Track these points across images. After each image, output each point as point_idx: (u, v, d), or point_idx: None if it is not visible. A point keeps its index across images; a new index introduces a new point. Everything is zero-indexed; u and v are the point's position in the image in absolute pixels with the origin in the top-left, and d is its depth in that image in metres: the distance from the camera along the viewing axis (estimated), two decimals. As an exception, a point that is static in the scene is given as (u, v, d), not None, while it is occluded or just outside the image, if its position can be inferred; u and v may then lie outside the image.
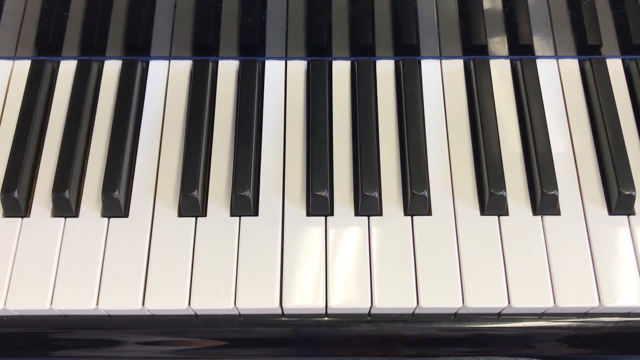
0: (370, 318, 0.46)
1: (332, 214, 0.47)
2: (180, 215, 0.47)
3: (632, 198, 0.47)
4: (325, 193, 0.46)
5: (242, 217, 0.47)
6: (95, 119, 0.51)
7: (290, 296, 0.44)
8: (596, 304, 0.44)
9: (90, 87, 0.52)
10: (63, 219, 0.47)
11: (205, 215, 0.47)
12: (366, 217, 0.47)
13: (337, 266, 0.45)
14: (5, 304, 0.44)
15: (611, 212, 0.47)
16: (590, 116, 0.51)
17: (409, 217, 0.47)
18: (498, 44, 0.53)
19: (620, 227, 0.47)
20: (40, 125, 0.51)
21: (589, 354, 0.47)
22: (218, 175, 0.49)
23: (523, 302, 0.44)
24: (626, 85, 0.53)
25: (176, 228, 0.47)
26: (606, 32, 0.53)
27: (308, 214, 0.47)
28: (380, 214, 0.47)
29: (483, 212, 0.47)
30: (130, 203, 0.48)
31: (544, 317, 0.46)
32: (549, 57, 0.54)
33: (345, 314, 0.46)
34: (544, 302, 0.44)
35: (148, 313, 0.45)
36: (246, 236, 0.46)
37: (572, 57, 0.54)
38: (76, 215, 0.47)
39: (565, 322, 0.46)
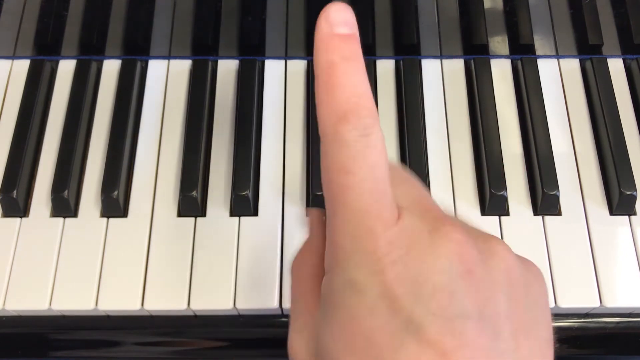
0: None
1: (332, 214, 0.47)
2: (179, 215, 0.47)
3: (634, 198, 0.46)
4: (325, 193, 0.46)
5: (242, 217, 0.47)
6: (95, 118, 0.51)
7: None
8: (597, 304, 0.44)
9: (89, 87, 0.52)
10: (62, 218, 0.47)
11: (204, 215, 0.47)
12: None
13: (337, 266, 0.44)
14: (4, 304, 0.44)
15: (612, 212, 0.47)
16: (591, 116, 0.51)
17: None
18: (499, 43, 0.53)
19: (622, 227, 0.47)
20: (39, 125, 0.51)
21: (590, 354, 0.47)
22: (218, 175, 0.48)
23: (524, 302, 0.44)
24: (627, 84, 0.52)
25: (175, 228, 0.46)
26: (607, 31, 0.53)
27: (308, 214, 0.47)
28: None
29: (483, 212, 0.47)
30: (130, 203, 0.47)
31: (544, 317, 0.46)
32: (549, 56, 0.54)
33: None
34: (544, 303, 0.44)
35: (147, 313, 0.45)
36: (246, 236, 0.46)
37: (573, 56, 0.54)
38: (75, 215, 0.47)
39: (566, 323, 0.46)
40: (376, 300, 0.25)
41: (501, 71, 0.53)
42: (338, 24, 0.29)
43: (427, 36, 0.53)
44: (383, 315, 0.25)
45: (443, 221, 0.27)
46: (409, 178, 0.31)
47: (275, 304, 0.44)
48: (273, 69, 0.53)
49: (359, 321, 0.26)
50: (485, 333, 0.25)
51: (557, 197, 0.46)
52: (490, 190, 0.46)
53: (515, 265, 0.28)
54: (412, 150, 0.48)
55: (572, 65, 0.53)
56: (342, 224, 0.27)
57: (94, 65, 0.53)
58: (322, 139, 0.28)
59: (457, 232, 0.27)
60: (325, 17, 0.29)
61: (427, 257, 0.26)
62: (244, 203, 0.46)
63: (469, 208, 0.47)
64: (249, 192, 0.46)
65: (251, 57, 0.53)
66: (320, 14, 0.29)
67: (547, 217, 0.47)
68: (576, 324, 0.46)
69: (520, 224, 0.47)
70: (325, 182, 0.28)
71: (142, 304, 0.44)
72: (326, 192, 0.28)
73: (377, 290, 0.26)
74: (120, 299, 0.44)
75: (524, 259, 0.30)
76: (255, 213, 0.47)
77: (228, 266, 0.45)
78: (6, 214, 0.47)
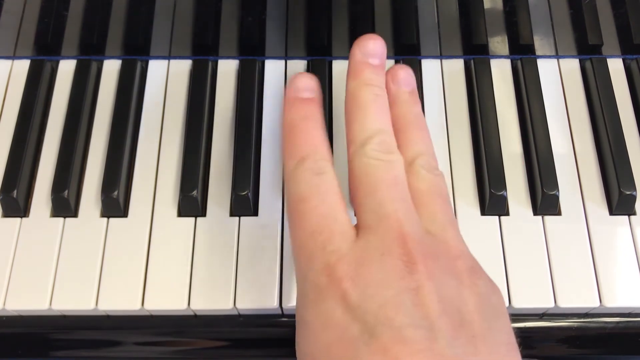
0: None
1: (332, 214, 0.47)
2: (179, 215, 0.47)
3: (633, 198, 0.47)
4: (325, 193, 0.46)
5: (242, 217, 0.47)
6: (95, 118, 0.51)
7: (290, 296, 0.44)
8: (597, 304, 0.44)
9: (89, 87, 0.52)
10: (62, 218, 0.47)
11: (204, 215, 0.47)
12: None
13: (337, 266, 0.44)
14: (4, 304, 0.44)
15: (612, 212, 0.47)
16: (591, 116, 0.51)
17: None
18: (499, 43, 0.53)
19: (621, 227, 0.47)
20: (39, 125, 0.51)
21: (590, 354, 0.47)
22: (218, 175, 0.48)
23: (524, 302, 0.44)
24: (627, 84, 0.52)
25: (176, 228, 0.46)
26: (607, 31, 0.53)
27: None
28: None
29: (483, 212, 0.47)
30: (130, 203, 0.47)
31: (544, 317, 0.46)
32: (549, 56, 0.54)
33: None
34: (544, 303, 0.44)
35: (147, 313, 0.45)
36: (246, 236, 0.46)
37: (573, 56, 0.54)
38: (75, 215, 0.47)
39: (566, 323, 0.46)
40: (328, 314, 0.28)
41: (501, 71, 0.53)
42: (301, 90, 0.38)
43: (427, 36, 0.53)
44: (336, 328, 0.28)
45: (402, 245, 0.30)
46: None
47: (275, 303, 0.44)
48: (273, 69, 0.53)
49: (316, 336, 0.29)
50: (438, 340, 0.27)
51: (557, 197, 0.46)
52: (490, 190, 0.46)
53: (474, 281, 0.31)
54: (412, 150, 0.48)
55: (571, 65, 0.54)
56: (300, 245, 0.31)
57: (94, 65, 0.53)
58: (285, 179, 0.34)
59: (409, 253, 0.29)
60: (291, 84, 0.38)
61: (376, 274, 0.29)
62: (244, 203, 0.46)
63: (468, 208, 0.47)
64: (249, 192, 0.46)
65: (251, 57, 0.53)
66: (289, 81, 0.38)
67: (547, 217, 0.47)
68: (576, 324, 0.46)
69: (520, 224, 0.47)
70: (288, 212, 0.33)
71: (142, 304, 0.44)
72: (289, 221, 0.33)
73: (329, 305, 0.28)
74: (120, 299, 0.44)
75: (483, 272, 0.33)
76: (255, 213, 0.47)
77: (228, 266, 0.45)
78: (6, 214, 0.47)
